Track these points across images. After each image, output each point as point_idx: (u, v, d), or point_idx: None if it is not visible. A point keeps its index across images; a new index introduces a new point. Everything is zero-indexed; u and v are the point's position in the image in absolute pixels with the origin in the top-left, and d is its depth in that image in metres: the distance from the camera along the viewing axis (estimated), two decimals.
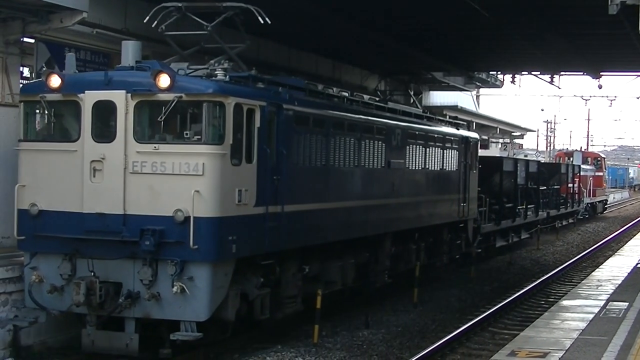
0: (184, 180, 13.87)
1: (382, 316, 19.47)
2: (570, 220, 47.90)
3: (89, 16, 17.73)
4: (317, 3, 21.79)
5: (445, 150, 24.35)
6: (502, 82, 43.23)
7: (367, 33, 25.20)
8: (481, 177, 28.48)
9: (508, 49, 29.75)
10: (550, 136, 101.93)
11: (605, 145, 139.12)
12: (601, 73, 35.13)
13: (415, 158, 22.02)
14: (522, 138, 75.70)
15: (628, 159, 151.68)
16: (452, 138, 25.16)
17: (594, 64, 32.53)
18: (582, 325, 14.89)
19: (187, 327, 13.98)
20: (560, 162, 55.29)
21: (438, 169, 23.85)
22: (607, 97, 75.25)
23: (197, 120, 14.09)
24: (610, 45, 27.69)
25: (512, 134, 69.12)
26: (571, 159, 57.72)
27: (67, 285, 14.28)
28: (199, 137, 14.00)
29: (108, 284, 14.13)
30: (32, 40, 18.95)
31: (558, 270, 28.15)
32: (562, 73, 36.11)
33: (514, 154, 64.49)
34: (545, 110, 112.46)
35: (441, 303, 21.72)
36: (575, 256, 32.95)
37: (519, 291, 23.29)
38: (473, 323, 18.52)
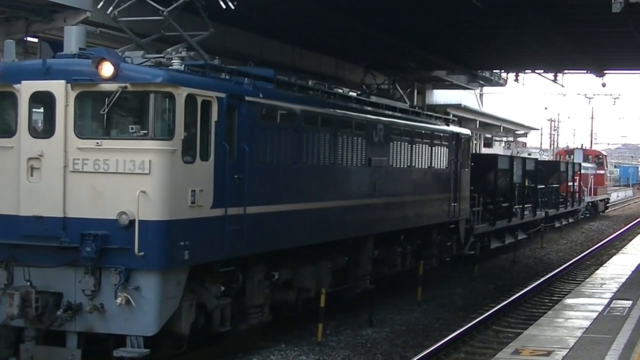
0: (129, 180, 12.63)
1: (386, 315, 19.47)
2: (571, 220, 46.84)
3: (92, 15, 17.77)
4: (321, 2, 21.80)
5: (433, 147, 23.20)
6: (505, 81, 43.18)
7: (370, 32, 25.18)
8: (475, 175, 27.58)
9: (511, 47, 29.71)
10: (554, 134, 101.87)
11: (609, 144, 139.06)
12: (605, 71, 35.06)
13: (400, 155, 20.85)
14: (526, 136, 75.58)
15: (632, 157, 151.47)
16: (442, 134, 24.02)
17: (598, 62, 32.47)
18: (586, 323, 14.89)
19: (134, 342, 12.67)
20: (561, 159, 54.23)
21: (426, 166, 22.72)
22: (610, 95, 75.26)
23: (143, 113, 12.84)
24: (613, 44, 27.64)
25: (516, 132, 69.02)
26: (572, 156, 56.89)
27: (3, 295, 12.93)
28: (146, 131, 12.72)
29: (47, 294, 12.83)
30: (36, 40, 18.99)
31: (562, 269, 28.13)
32: (565, 71, 36.02)
33: (518, 153, 64.46)
34: (549, 109, 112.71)
35: (445, 302, 21.71)
36: (579, 254, 32.93)
37: (522, 290, 23.28)
38: (477, 322, 18.51)
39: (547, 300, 22.45)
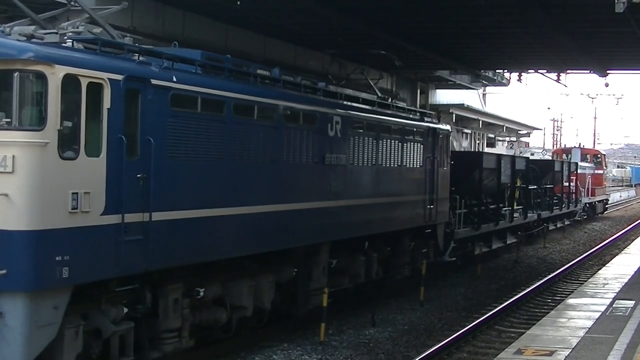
0: None
1: (389, 314, 19.47)
2: (567, 222, 44.27)
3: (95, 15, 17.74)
4: (324, 1, 21.80)
5: (405, 144, 20.78)
6: (508, 81, 43.21)
7: (373, 31, 25.18)
8: (457, 175, 25.32)
9: (514, 47, 29.70)
10: (557, 134, 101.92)
11: (612, 144, 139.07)
12: (608, 71, 35.03)
13: (363, 152, 18.51)
14: (529, 136, 75.59)
15: (635, 157, 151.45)
16: (415, 129, 21.52)
17: (601, 62, 32.45)
18: (589, 323, 14.88)
19: None
20: (558, 159, 51.45)
21: (395, 165, 20.23)
22: (613, 95, 75.24)
23: (6, 97, 10.56)
24: (617, 44, 27.63)
25: (519, 132, 69.04)
26: (569, 156, 54.81)
27: None
28: (9, 120, 10.46)
29: None
30: None
31: (564, 269, 28.12)
32: (568, 71, 36.01)
33: (521, 152, 64.43)
34: (552, 109, 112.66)
35: (447, 301, 21.71)
36: (582, 254, 32.91)
37: (525, 289, 23.27)
38: (479, 321, 18.51)
39: (549, 300, 22.43)
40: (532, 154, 62.61)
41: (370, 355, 15.71)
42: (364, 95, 19.88)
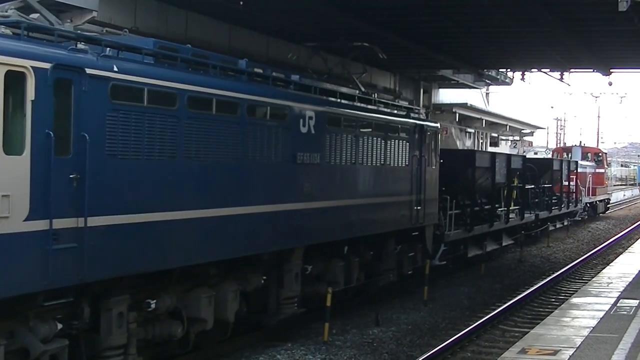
0: None
1: (392, 314, 19.47)
2: (566, 223, 42.74)
3: (98, 15, 17.76)
4: (326, 1, 21.79)
5: (389, 141, 19.66)
6: (511, 80, 43.18)
7: (376, 30, 25.17)
8: (448, 174, 24.31)
9: (518, 46, 29.67)
10: (560, 133, 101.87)
11: (615, 143, 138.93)
12: (611, 70, 35.00)
13: (341, 150, 17.42)
14: (532, 135, 75.57)
15: (638, 156, 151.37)
16: (399, 126, 20.40)
17: (604, 60, 32.41)
18: (593, 322, 14.86)
19: None
20: (558, 157, 49.43)
21: (378, 164, 19.13)
22: (617, 94, 75.19)
23: None
24: (620, 42, 27.60)
25: (522, 131, 69.01)
26: (570, 154, 53.62)
27: None
28: None
29: None
30: None
31: (568, 268, 28.10)
32: (572, 70, 35.99)
33: (524, 151, 64.37)
34: (555, 108, 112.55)
35: (451, 301, 21.70)
36: (586, 254, 32.88)
37: (529, 289, 23.26)
38: (483, 321, 18.50)
39: (553, 300, 22.42)
40: (536, 153, 62.44)
41: (374, 355, 15.71)
42: (343, 89, 18.56)
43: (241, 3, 20.01)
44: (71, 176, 10.57)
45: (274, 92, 15.31)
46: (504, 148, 62.92)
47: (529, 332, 14.87)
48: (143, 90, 11.82)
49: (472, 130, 55.20)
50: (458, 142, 50.07)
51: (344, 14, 22.78)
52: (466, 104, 48.41)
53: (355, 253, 18.95)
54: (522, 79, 38.00)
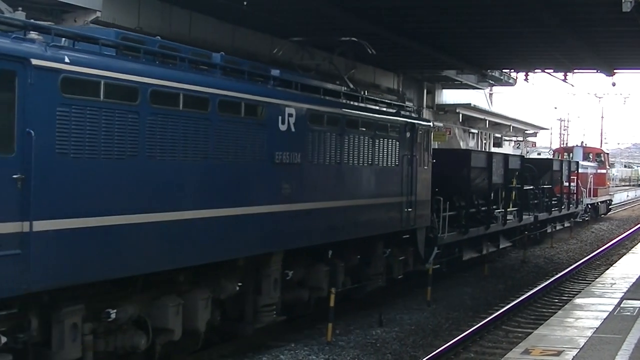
0: None
1: (396, 315, 19.47)
2: (566, 224, 41.77)
3: (102, 15, 17.82)
4: (331, 2, 21.79)
5: (377, 140, 18.68)
6: (515, 80, 43.18)
7: (379, 31, 25.17)
8: (442, 175, 23.36)
9: (521, 47, 29.66)
10: (564, 134, 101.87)
11: (619, 143, 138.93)
12: (615, 70, 34.99)
13: (324, 150, 16.44)
14: (536, 136, 75.58)
15: None
16: (388, 124, 19.39)
17: (608, 61, 32.40)
18: (596, 323, 14.84)
19: None
20: (559, 158, 48.75)
21: (365, 164, 18.19)
22: (621, 94, 75.14)
23: None
24: (624, 43, 27.60)
25: (526, 132, 69.04)
26: (571, 154, 52.59)
27: None
28: None
29: None
30: None
31: (572, 269, 28.08)
32: (575, 71, 35.97)
33: (527, 152, 64.36)
34: (559, 108, 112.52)
35: (454, 301, 21.69)
36: (589, 254, 32.86)
37: (532, 289, 23.25)
38: (486, 321, 18.49)
39: (557, 300, 22.41)
40: (539, 154, 62.39)
41: (377, 355, 15.71)
42: (329, 85, 17.62)
43: (245, 3, 20.02)
44: (14, 176, 9.66)
45: (249, 87, 14.26)
46: (507, 149, 62.91)
47: (532, 332, 14.84)
48: (99, 84, 10.87)
49: (476, 131, 55.23)
50: (461, 143, 50.08)
51: (347, 15, 22.80)
52: (470, 104, 48.45)
53: (340, 257, 18.01)
54: (526, 79, 37.98)
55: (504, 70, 40.05)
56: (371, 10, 22.97)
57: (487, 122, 55.80)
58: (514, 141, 69.11)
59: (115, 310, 11.58)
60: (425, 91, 40.88)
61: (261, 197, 14.40)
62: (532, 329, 16.87)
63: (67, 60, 10.41)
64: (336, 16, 22.64)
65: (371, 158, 18.49)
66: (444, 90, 44.62)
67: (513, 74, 41.49)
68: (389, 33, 25.42)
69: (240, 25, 23.73)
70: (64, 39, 11.17)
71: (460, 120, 49.40)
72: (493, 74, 39.39)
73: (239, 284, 14.43)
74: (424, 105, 41.72)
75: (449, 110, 46.36)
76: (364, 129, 18.17)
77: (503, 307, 20.48)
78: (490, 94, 60.95)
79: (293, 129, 15.25)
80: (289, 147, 15.18)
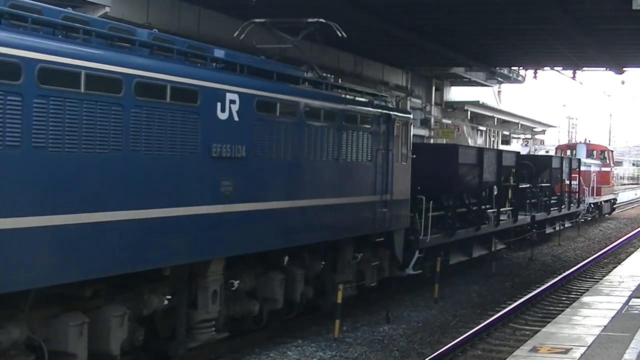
0: None
1: (403, 311, 19.46)
2: (567, 225, 39.50)
3: (111, 10, 17.86)
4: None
5: (344, 133, 16.62)
6: (524, 78, 43.16)
7: (389, 28, 25.18)
8: (426, 172, 21.40)
9: (530, 45, 29.65)
10: (572, 132, 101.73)
11: (627, 141, 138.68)
12: (624, 68, 34.95)
13: (277, 142, 14.39)
14: (544, 134, 75.51)
15: None
16: (359, 115, 17.36)
17: (617, 59, 32.37)
18: (604, 321, 14.82)
19: None
20: (562, 155, 45.67)
21: (329, 159, 16.11)
22: (630, 92, 74.95)
23: None
24: (633, 41, 27.56)
25: (534, 129, 68.97)
26: (574, 152, 50.31)
27: None
28: None
29: None
30: None
31: (579, 267, 28.02)
32: (584, 68, 35.93)
33: (535, 150, 64.28)
34: (567, 106, 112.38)
35: (462, 299, 21.68)
36: (597, 252, 32.79)
37: (540, 287, 23.21)
38: (494, 319, 18.46)
39: (564, 298, 22.37)
40: (547, 151, 62.14)
41: (385, 352, 15.70)
42: (289, 70, 15.88)
43: (253, 0, 20.03)
44: None
45: (178, 68, 12.15)
46: (515, 146, 62.87)
47: (540, 330, 14.83)
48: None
49: (484, 128, 55.20)
50: (470, 140, 50.06)
51: (356, 11, 22.81)
52: (478, 101, 48.44)
53: (300, 264, 16.10)
54: (535, 77, 37.97)
55: (512, 68, 40.04)
56: (382, 8, 22.97)
57: (495, 119, 55.75)
58: (522, 139, 69.07)
59: (9, 330, 9.78)
60: (434, 88, 40.90)
61: (193, 196, 12.33)
62: (539, 326, 16.85)
63: None
64: (346, 12, 22.65)
65: (337, 152, 16.40)
66: (453, 88, 44.62)
67: (522, 72, 41.48)
68: (398, 30, 25.43)
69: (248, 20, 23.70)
70: None
71: (469, 117, 49.38)
72: (502, 71, 39.38)
73: (167, 297, 12.61)
74: (432, 102, 41.73)
75: (458, 107, 46.35)
76: (328, 120, 16.09)
77: (510, 304, 20.45)
78: (499, 92, 60.92)
79: (236, 118, 13.19)
80: (230, 139, 13.08)
